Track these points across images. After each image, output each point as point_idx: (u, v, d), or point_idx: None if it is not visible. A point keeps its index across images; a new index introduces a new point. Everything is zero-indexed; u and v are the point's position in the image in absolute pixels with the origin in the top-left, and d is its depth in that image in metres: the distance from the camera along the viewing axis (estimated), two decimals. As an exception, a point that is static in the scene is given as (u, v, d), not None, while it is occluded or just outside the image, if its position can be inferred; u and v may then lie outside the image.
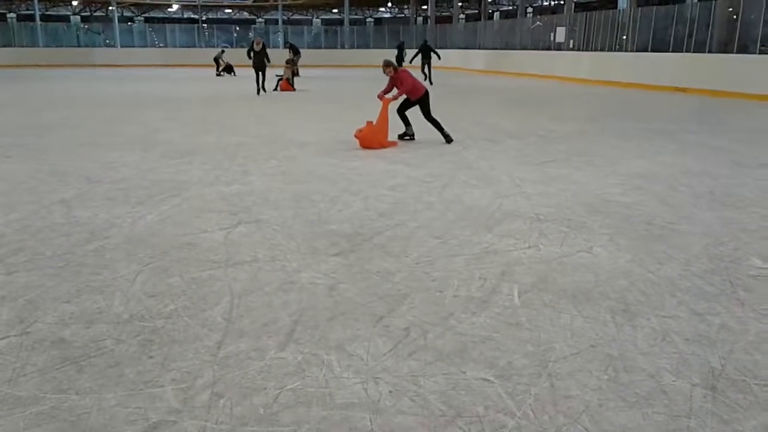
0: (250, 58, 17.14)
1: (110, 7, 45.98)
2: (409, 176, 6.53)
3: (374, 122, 8.23)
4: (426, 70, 21.60)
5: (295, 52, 22.49)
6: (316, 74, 25.70)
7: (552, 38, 25.32)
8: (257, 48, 16.80)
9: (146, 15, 56.64)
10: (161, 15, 57.00)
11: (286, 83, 18.31)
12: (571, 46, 24.15)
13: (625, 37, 21.52)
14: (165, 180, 6.24)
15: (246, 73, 25.96)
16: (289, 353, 2.77)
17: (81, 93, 17.47)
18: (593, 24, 23.08)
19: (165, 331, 2.96)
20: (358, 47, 38.40)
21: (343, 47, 38.25)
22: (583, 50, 23.38)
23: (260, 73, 16.96)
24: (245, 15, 60.36)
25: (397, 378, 2.56)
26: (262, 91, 16.98)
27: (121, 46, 38.16)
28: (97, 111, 12.79)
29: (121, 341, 2.86)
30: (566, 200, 5.55)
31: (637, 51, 20.69)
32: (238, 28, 45.07)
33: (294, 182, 6.22)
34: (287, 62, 19.30)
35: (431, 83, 19.80)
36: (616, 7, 23.83)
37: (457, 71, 27.10)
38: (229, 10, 59.28)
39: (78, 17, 52.93)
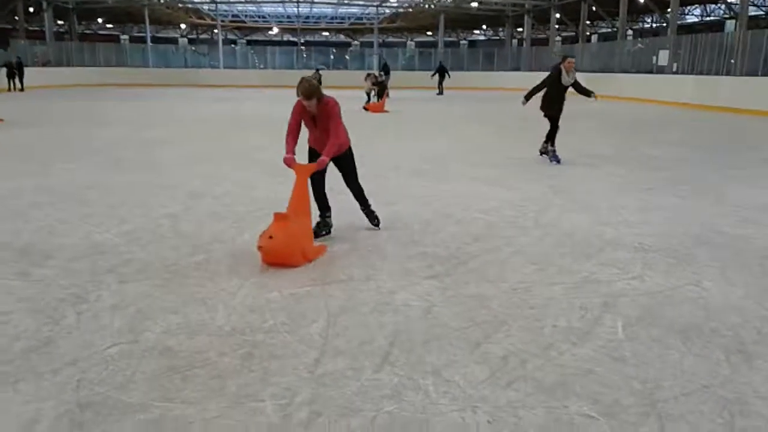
0: (538, 91, 8.60)
1: (215, 30, 48.39)
2: (503, 199, 6.44)
3: (285, 215, 4.25)
4: (440, 86, 28.29)
5: (386, 72, 23.48)
6: (409, 96, 25.92)
7: (654, 61, 24.47)
8: (569, 79, 8.47)
9: (248, 38, 59.16)
10: (262, 38, 59.36)
11: (376, 105, 18.47)
12: (674, 69, 23.23)
13: (733, 60, 20.51)
14: (264, 197, 6.43)
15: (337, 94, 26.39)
16: (384, 375, 2.76)
17: (186, 111, 18.35)
18: (699, 47, 22.14)
19: (265, 346, 3.03)
20: (452, 69, 38.48)
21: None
22: (687, 74, 22.44)
23: (556, 119, 8.82)
24: (342, 38, 61.95)
25: (495, 408, 2.50)
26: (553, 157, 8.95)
27: (224, 68, 39.93)
28: (202, 128, 13.39)
29: (223, 353, 2.95)
30: (671, 230, 5.29)
31: (746, 75, 19.65)
32: (335, 51, 46.28)
33: (387, 203, 6.25)
34: (373, 81, 19.39)
35: (442, 94, 28.05)
36: (722, 30, 22.77)
37: (552, 94, 26.65)
38: (327, 33, 61.03)
39: (185, 39, 55.96)
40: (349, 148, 5.13)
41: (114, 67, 36.95)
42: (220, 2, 44.07)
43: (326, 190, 5.15)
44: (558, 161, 8.85)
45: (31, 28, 38.40)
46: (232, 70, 39.15)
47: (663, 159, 9.45)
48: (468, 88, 33.02)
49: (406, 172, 8.02)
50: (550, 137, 8.98)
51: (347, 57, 44.73)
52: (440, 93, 28.30)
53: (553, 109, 8.79)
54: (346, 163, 5.11)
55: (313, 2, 46.18)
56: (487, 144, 11.16)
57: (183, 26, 54.83)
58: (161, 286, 3.85)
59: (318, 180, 5.03)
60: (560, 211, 5.93)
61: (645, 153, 10.09)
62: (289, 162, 4.72)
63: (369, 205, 5.34)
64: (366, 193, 5.29)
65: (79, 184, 7.04)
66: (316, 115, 4.84)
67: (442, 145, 10.83)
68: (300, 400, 2.54)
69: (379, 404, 2.52)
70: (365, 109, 18.30)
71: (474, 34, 62.27)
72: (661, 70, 24.05)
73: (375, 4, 43.81)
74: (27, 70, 28.10)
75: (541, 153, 9.24)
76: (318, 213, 5.08)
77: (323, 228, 5.11)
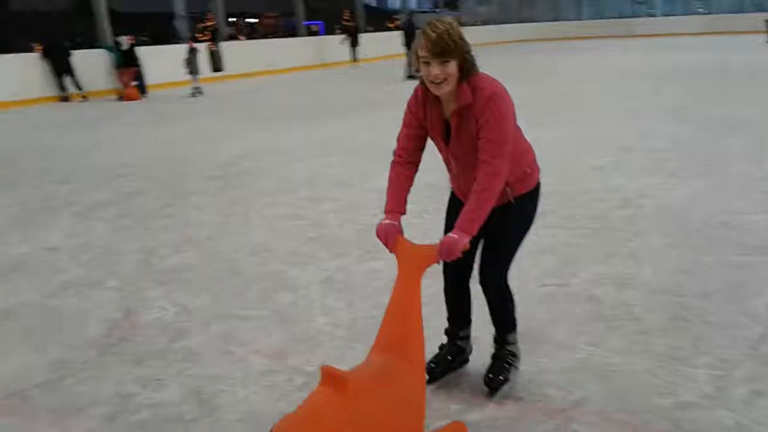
0: None
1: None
2: None
3: (342, 379, 1.64)
4: None
5: None
6: None
7: None
8: None
9: (691, -19, 54.19)
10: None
11: None
12: None
13: None
14: (700, 153, 5.89)
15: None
16: None
17: (619, 63, 17.74)
18: None
19: (698, 311, 2.83)
20: None
21: None
22: None
23: None
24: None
25: None
26: None
27: (662, 15, 37.49)
28: (634, 81, 12.78)
29: (650, 310, 2.86)
30: None
31: None
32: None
33: None
34: None
35: None
36: None
37: None
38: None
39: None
40: (530, 194, 2.22)
41: (549, 22, 38.03)
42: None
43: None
44: None
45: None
46: (669, 17, 36.54)
47: None
48: None
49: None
50: None
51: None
52: None
53: None
54: (504, 221, 2.15)
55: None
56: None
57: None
58: (588, 236, 3.90)
59: (455, 265, 2.18)
60: None
61: None
62: (386, 234, 2.08)
63: (507, 336, 2.34)
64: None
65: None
66: (451, 116, 2.05)
67: None
68: (740, 375, 2.31)
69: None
70: None
71: None
72: None
73: None
74: (469, 29, 30.86)
75: None
76: (446, 326, 2.47)
77: (453, 358, 2.45)
